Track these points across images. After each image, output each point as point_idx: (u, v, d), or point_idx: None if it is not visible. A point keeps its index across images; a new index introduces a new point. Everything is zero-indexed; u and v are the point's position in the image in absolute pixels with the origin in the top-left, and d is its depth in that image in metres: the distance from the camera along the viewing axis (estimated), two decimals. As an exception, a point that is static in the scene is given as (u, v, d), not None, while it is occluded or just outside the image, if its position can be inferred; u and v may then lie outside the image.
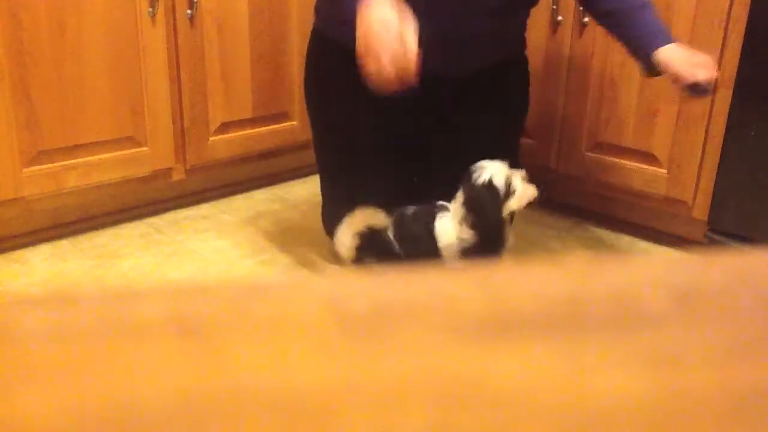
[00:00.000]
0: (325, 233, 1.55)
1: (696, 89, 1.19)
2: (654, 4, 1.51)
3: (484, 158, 1.31)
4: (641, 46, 1.27)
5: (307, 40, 1.52)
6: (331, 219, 1.52)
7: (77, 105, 1.51)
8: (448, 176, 1.46)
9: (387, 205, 1.52)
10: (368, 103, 1.38)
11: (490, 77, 1.41)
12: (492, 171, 1.23)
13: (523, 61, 1.51)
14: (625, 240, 1.68)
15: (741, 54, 1.40)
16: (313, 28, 1.49)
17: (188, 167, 1.75)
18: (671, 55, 1.22)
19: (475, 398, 0.15)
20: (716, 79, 1.25)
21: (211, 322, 0.17)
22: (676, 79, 1.21)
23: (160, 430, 0.14)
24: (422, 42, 1.13)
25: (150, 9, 1.56)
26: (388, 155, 1.49)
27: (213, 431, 0.14)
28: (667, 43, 1.24)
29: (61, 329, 0.17)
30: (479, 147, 1.40)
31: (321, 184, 1.55)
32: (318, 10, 1.46)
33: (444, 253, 1.28)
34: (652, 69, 1.26)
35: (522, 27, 1.47)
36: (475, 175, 1.23)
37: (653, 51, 1.23)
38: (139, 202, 1.74)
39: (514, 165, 1.58)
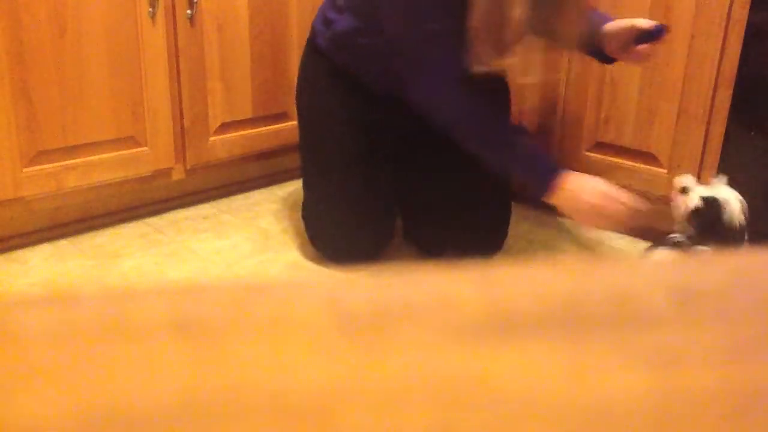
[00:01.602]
0: (308, 236, 1.56)
1: (651, 33, 1.30)
2: (655, 4, 1.51)
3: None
4: (593, 35, 1.37)
5: (304, 47, 1.55)
6: (317, 222, 1.54)
7: (77, 105, 1.51)
8: (430, 185, 1.50)
9: (372, 211, 1.53)
10: (361, 113, 1.42)
11: None
12: (731, 202, 1.17)
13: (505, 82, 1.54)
14: (625, 240, 1.68)
15: (741, 54, 1.40)
16: (313, 45, 1.52)
17: (188, 167, 1.75)
18: (615, 22, 1.36)
19: (475, 398, 0.15)
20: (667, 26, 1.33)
21: (211, 322, 0.17)
22: (630, 31, 1.32)
23: (160, 430, 0.14)
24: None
25: (150, 9, 1.56)
26: (376, 161, 1.51)
27: (213, 431, 0.14)
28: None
29: (61, 329, 0.17)
30: (460, 161, 1.43)
31: (309, 190, 1.57)
32: (320, 31, 1.49)
33: None
34: (606, 56, 1.38)
35: None
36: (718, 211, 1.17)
37: (601, 29, 1.35)
38: (139, 202, 1.74)
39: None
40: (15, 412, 0.14)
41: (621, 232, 1.21)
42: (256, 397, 0.15)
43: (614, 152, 1.64)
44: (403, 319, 0.17)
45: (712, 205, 1.17)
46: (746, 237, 1.18)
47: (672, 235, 1.22)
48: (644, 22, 1.32)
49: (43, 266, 1.49)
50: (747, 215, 1.18)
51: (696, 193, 1.20)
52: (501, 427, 0.14)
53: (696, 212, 1.18)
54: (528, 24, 1.21)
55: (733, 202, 1.17)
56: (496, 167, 1.33)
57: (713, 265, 0.21)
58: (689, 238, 1.21)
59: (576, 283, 0.19)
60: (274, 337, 0.17)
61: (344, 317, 0.18)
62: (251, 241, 1.64)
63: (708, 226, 1.17)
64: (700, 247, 1.17)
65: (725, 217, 1.16)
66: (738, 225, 1.16)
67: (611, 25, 1.35)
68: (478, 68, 1.23)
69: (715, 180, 1.22)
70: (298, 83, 1.59)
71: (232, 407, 0.14)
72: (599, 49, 1.38)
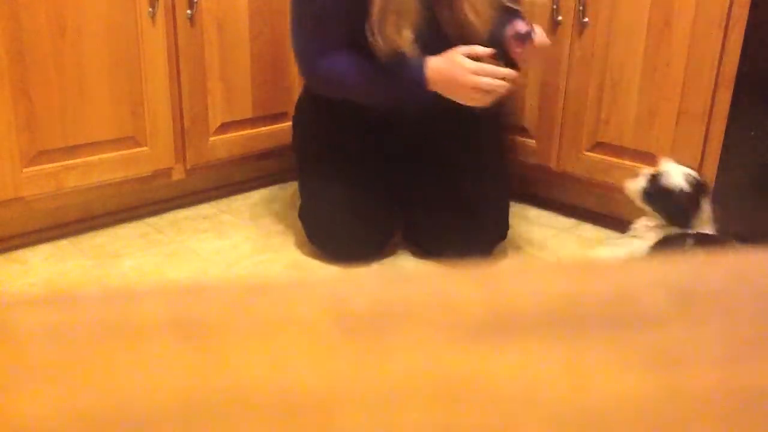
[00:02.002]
0: (306, 235, 1.57)
1: (521, 36, 1.37)
2: (655, 4, 1.51)
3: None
4: (501, 36, 1.43)
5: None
6: (315, 220, 1.54)
7: (77, 105, 1.51)
8: (432, 179, 1.50)
9: (372, 207, 1.53)
10: (359, 115, 1.43)
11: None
12: (676, 175, 1.25)
13: None
14: (625, 240, 1.68)
15: (741, 54, 1.40)
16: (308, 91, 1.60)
17: (188, 167, 1.75)
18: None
19: (475, 398, 0.15)
20: (532, 31, 1.38)
21: (211, 322, 0.17)
22: (511, 32, 1.39)
23: (160, 430, 0.14)
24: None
25: (150, 9, 1.56)
26: (373, 161, 1.52)
27: (213, 431, 0.14)
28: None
29: (61, 329, 0.17)
30: (461, 150, 1.49)
31: (305, 188, 1.58)
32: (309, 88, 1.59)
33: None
34: (510, 59, 1.43)
35: None
36: (666, 183, 1.26)
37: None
38: (139, 202, 1.74)
39: (500, 165, 1.60)
40: (14, 412, 0.14)
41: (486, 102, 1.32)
42: (256, 397, 0.15)
43: (614, 152, 1.64)
44: (403, 318, 0.17)
45: (653, 179, 1.28)
46: (700, 204, 1.25)
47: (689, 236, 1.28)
48: (519, 26, 1.38)
49: (43, 266, 1.49)
50: (698, 182, 1.26)
51: (642, 177, 1.30)
52: (501, 427, 0.14)
53: (644, 192, 1.29)
54: (421, 6, 1.32)
55: (673, 172, 1.26)
56: (389, 101, 1.42)
57: (713, 265, 0.21)
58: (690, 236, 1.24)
59: (576, 283, 0.19)
60: (274, 337, 0.17)
61: (345, 317, 0.18)
62: (251, 241, 1.64)
63: (657, 199, 1.27)
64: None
65: (666, 185, 1.26)
66: (680, 189, 1.24)
67: (509, 29, 1.40)
68: (377, 46, 1.33)
69: (660, 162, 1.31)
70: (300, 93, 1.64)
71: (232, 407, 0.14)
72: (506, 52, 1.43)
